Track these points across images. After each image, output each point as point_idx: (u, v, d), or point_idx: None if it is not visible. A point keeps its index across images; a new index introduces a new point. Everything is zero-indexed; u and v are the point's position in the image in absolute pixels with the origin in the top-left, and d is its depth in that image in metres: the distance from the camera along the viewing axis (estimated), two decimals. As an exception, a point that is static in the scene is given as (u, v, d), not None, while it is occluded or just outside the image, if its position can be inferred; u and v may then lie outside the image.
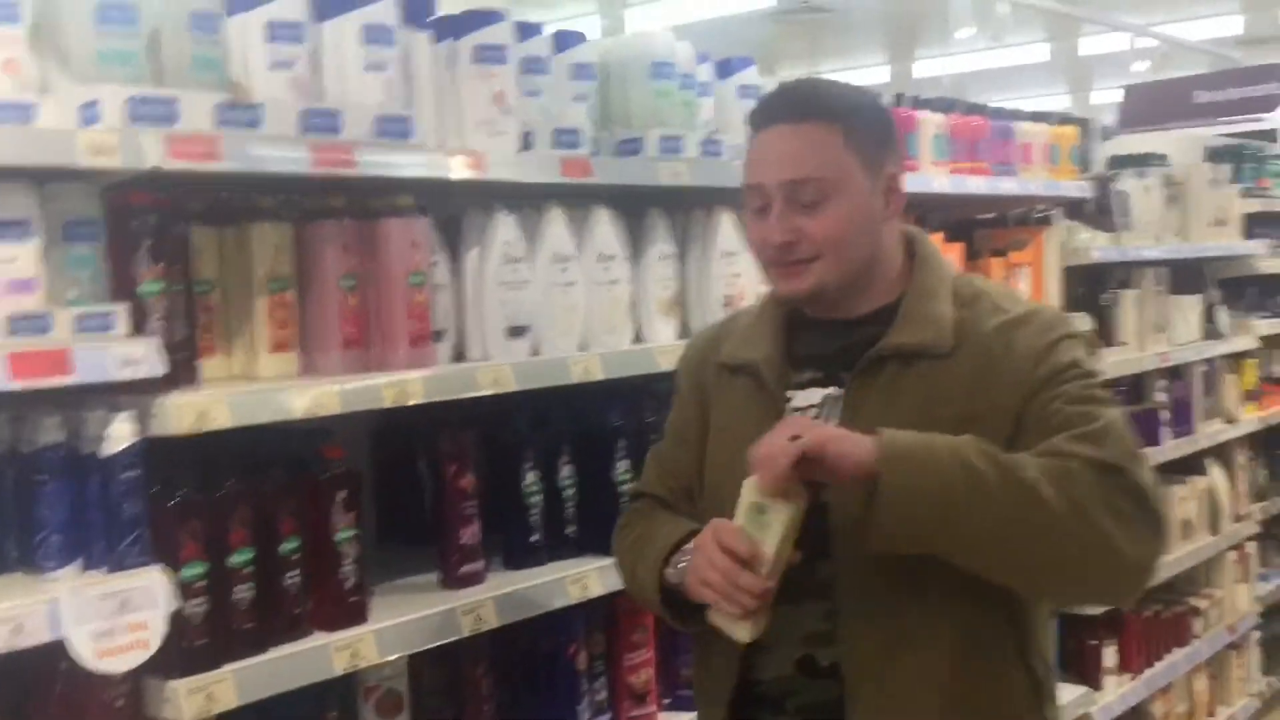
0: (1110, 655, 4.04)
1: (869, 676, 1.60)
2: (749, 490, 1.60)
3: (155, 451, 1.79)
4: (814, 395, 1.71)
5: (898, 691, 1.60)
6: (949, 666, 1.60)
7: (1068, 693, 3.49)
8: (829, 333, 1.73)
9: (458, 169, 2.12)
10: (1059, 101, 15.95)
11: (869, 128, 1.68)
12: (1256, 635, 5.01)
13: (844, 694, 1.62)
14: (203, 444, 1.85)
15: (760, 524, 1.59)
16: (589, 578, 2.33)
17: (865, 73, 13.03)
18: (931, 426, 1.56)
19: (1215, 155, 4.93)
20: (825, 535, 1.64)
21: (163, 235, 1.81)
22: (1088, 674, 3.87)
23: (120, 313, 1.74)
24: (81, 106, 1.72)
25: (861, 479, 1.52)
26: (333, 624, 2.00)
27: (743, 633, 1.62)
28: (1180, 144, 5.12)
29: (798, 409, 1.72)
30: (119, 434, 1.72)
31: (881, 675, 1.60)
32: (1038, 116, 3.83)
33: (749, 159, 1.71)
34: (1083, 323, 3.75)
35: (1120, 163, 4.89)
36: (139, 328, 1.77)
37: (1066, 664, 3.66)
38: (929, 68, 13.02)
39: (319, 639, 1.97)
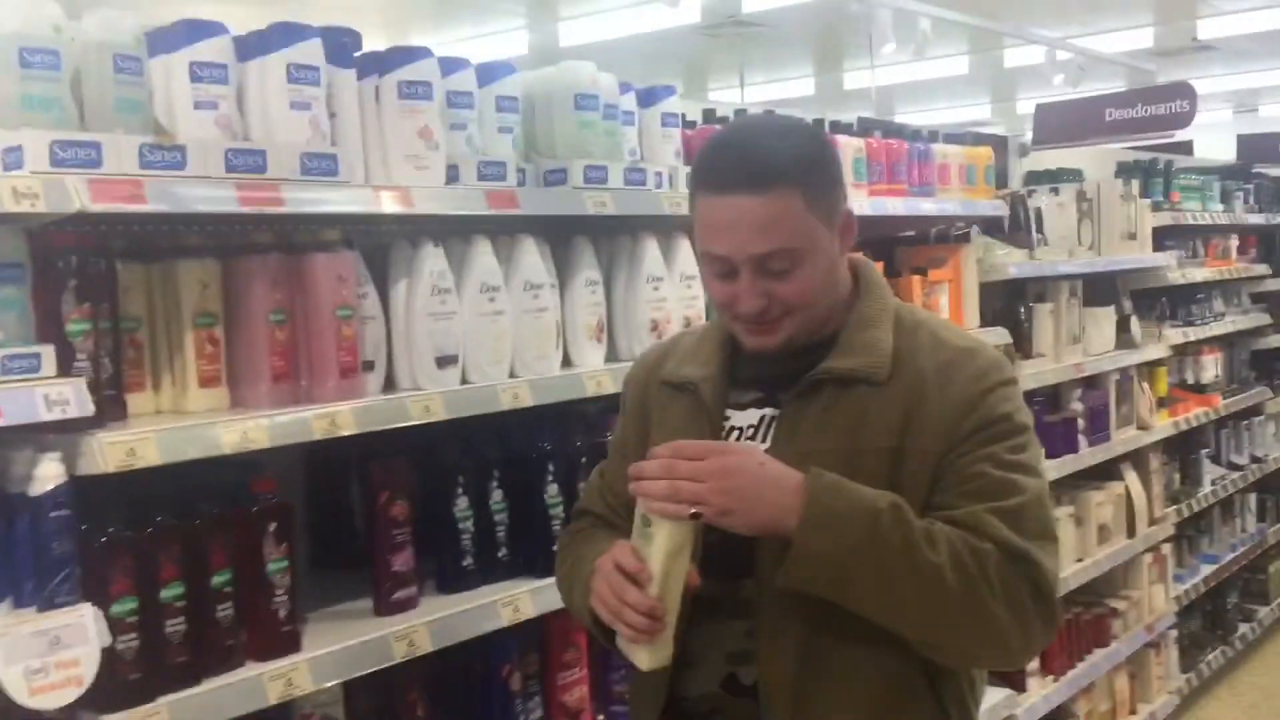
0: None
1: (786, 698, 1.63)
2: (638, 503, 1.59)
3: (86, 489, 1.80)
4: (752, 416, 1.72)
5: (814, 715, 1.62)
6: (865, 694, 1.62)
7: (992, 696, 3.59)
8: (772, 356, 1.72)
9: (384, 204, 2.16)
10: (983, 112, 16.27)
11: (826, 180, 1.64)
12: (1174, 634, 5.17)
13: (760, 715, 1.65)
14: (134, 479, 1.87)
15: (645, 537, 1.57)
16: (521, 600, 2.38)
17: (792, 84, 13.18)
18: (859, 455, 1.61)
19: (1125, 170, 5.09)
20: (749, 554, 1.64)
21: (89, 275, 1.83)
22: (1011, 677, 3.98)
23: (47, 353, 1.76)
24: (4, 151, 1.73)
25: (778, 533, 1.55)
26: (267, 654, 2.03)
27: (641, 658, 1.60)
28: (1095, 159, 5.28)
29: (736, 428, 1.73)
30: (46, 474, 1.74)
31: (798, 697, 1.62)
32: (952, 138, 3.94)
33: (706, 224, 1.64)
34: (1001, 336, 3.89)
35: (1036, 178, 5.04)
36: (66, 368, 1.79)
37: (990, 668, 3.76)
38: (856, 80, 13.20)
39: (253, 669, 1.99)
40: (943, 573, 1.50)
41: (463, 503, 2.41)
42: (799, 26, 10.27)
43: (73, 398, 1.74)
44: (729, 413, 1.74)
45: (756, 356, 1.73)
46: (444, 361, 2.30)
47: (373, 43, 2.30)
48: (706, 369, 1.77)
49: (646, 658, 1.60)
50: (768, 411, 1.71)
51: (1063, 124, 5.62)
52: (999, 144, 5.08)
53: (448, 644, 2.26)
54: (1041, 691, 4.17)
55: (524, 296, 2.45)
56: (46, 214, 1.72)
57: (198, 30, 1.97)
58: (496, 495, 2.46)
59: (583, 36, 9.72)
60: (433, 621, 2.24)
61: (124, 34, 1.92)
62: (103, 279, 1.88)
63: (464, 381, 2.35)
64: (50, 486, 1.74)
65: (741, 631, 1.67)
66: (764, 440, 1.69)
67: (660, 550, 1.55)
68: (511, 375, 2.43)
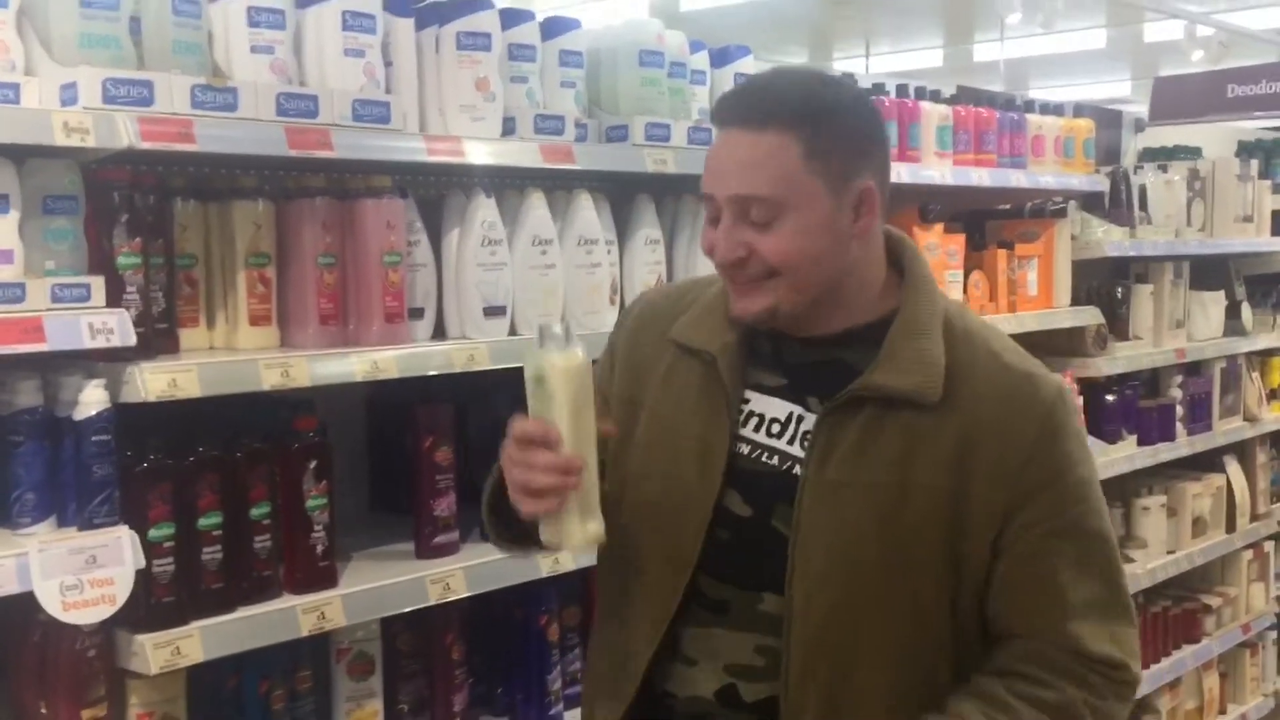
0: (1112, 649, 4.04)
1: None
2: (527, 364, 1.46)
3: (136, 417, 1.88)
4: (776, 407, 1.56)
5: None
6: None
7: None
8: (798, 342, 1.58)
9: (435, 153, 2.18)
10: (1123, 89, 15.66)
11: (838, 136, 1.48)
12: (1272, 635, 4.96)
13: None
14: (188, 413, 1.94)
15: (544, 398, 1.44)
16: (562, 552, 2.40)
17: (919, 55, 12.88)
18: (910, 491, 1.47)
19: (1246, 149, 4.85)
20: (776, 568, 1.51)
21: (140, 210, 1.89)
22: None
23: (96, 284, 1.83)
24: (62, 87, 1.81)
25: None
26: (302, 587, 2.09)
27: (573, 531, 1.45)
28: (1216, 137, 5.05)
29: (756, 415, 1.57)
30: (91, 399, 1.81)
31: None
32: (1050, 109, 3.81)
33: (706, 160, 1.53)
34: (1093, 316, 3.77)
35: (1152, 155, 4.85)
36: (115, 299, 1.86)
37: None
38: (986, 52, 12.84)
39: (287, 601, 2.06)
40: None
41: (509, 453, 2.43)
42: (927, -6, 10.04)
43: (116, 327, 1.81)
44: (748, 394, 1.58)
45: (777, 333, 1.57)
46: (492, 311, 2.32)
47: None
48: (725, 337, 1.59)
49: (579, 530, 1.45)
50: (795, 408, 1.55)
51: (1182, 99, 5.37)
52: (1113, 119, 4.90)
53: (483, 590, 2.30)
54: (1120, 684, 4.05)
55: (577, 251, 2.46)
56: (97, 149, 1.79)
57: (257, -25, 2.02)
58: (544, 448, 2.48)
59: (705, 1, 9.65)
60: (470, 567, 2.28)
61: (185, -23, 1.97)
62: (155, 215, 1.95)
63: (512, 333, 2.37)
64: (93, 411, 1.82)
65: (750, 646, 1.53)
66: (791, 443, 1.54)
67: (563, 404, 1.42)
68: (562, 329, 2.44)
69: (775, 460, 1.55)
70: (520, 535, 1.62)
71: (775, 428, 1.56)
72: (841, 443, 1.50)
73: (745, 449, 1.57)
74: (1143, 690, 4.16)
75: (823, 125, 1.47)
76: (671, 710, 1.59)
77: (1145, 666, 4.17)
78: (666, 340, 1.65)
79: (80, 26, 1.84)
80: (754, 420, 1.57)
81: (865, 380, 1.50)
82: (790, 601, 1.50)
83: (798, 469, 1.53)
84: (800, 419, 1.55)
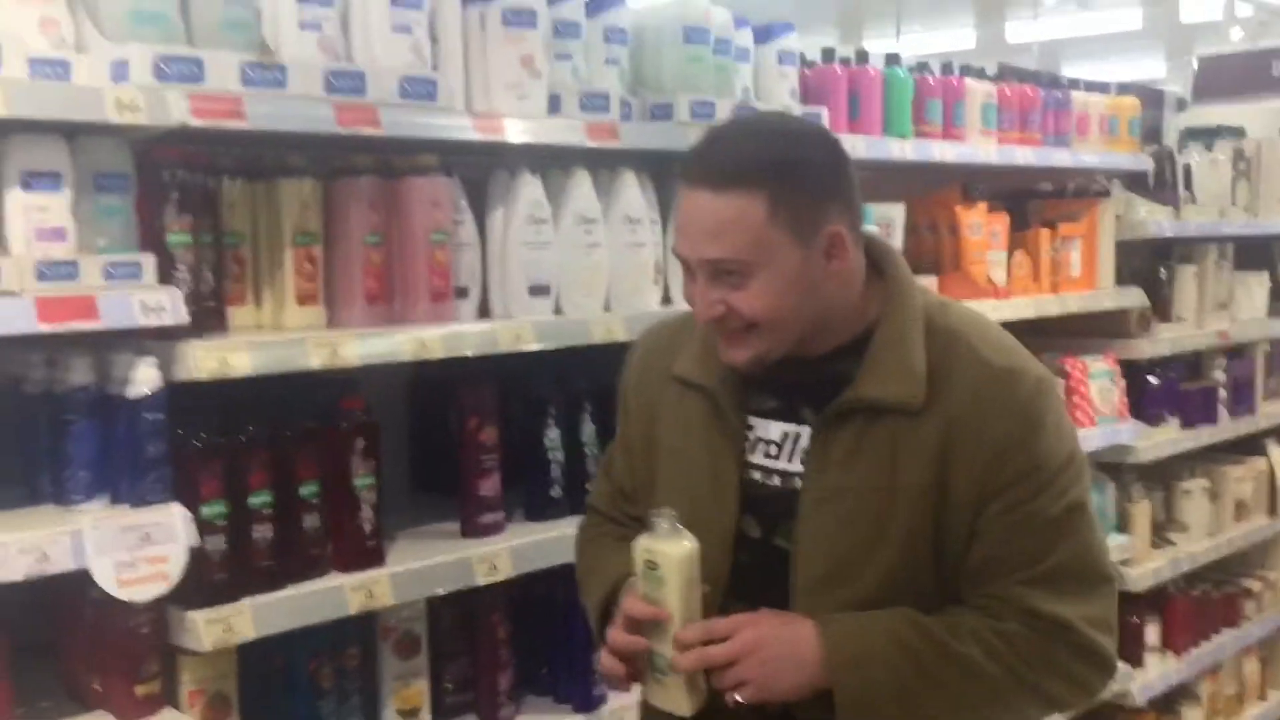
0: (1153, 633, 4.01)
1: None
2: (637, 549, 1.57)
3: (188, 396, 1.88)
4: (773, 430, 1.63)
5: None
6: None
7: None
8: (789, 364, 1.61)
9: (481, 131, 2.17)
10: (1158, 69, 15.49)
11: (801, 190, 1.50)
12: (1315, 621, 4.90)
13: None
14: (238, 392, 1.95)
15: (654, 581, 1.55)
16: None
17: (951, 35, 12.77)
18: (898, 494, 1.54)
19: (1292, 129, 4.77)
20: (782, 579, 1.59)
21: (190, 189, 1.89)
22: (1128, 651, 3.84)
23: (148, 262, 1.83)
24: (113, 64, 1.80)
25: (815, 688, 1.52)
26: (350, 566, 2.09)
27: (680, 703, 1.57)
28: (1262, 117, 4.96)
29: (760, 440, 1.64)
30: (143, 377, 1.82)
31: None
32: (1094, 87, 3.76)
33: (677, 220, 1.58)
34: (1137, 298, 3.72)
35: (1195, 135, 4.77)
36: (166, 277, 1.86)
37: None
38: (1020, 33, 12.72)
39: (336, 579, 2.06)
40: (979, 664, 1.51)
41: (554, 434, 2.43)
42: (959, -27, 9.94)
43: (168, 304, 1.81)
44: (751, 421, 1.65)
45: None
46: (536, 291, 2.31)
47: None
48: (722, 370, 1.63)
49: (686, 701, 1.57)
50: (790, 428, 1.62)
51: (1226, 78, 5.28)
52: (1155, 98, 4.83)
53: (529, 570, 2.30)
54: (1160, 668, 4.02)
55: (622, 230, 2.44)
56: (148, 126, 1.79)
57: (305, -48, 2.01)
58: (588, 428, 2.47)
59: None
60: (516, 547, 2.28)
61: (233, -45, 1.97)
62: (205, 194, 1.95)
63: (557, 312, 2.36)
64: (146, 390, 1.82)
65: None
66: (789, 460, 1.61)
67: (675, 587, 1.54)
68: (606, 309, 2.43)
69: (777, 481, 1.63)
70: None
71: (774, 450, 1.63)
72: (836, 452, 1.57)
73: (755, 475, 1.64)
74: (1183, 674, 4.14)
75: (785, 181, 1.49)
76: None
77: (1184, 651, 4.15)
78: (670, 378, 1.72)
79: (131, 3, 1.84)
80: (760, 447, 1.65)
81: (852, 394, 1.56)
82: (794, 608, 1.57)
83: (797, 482, 1.60)
84: (796, 437, 1.62)
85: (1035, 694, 1.56)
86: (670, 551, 1.54)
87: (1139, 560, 3.89)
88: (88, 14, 1.85)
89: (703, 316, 1.56)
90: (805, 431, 1.61)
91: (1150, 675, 3.96)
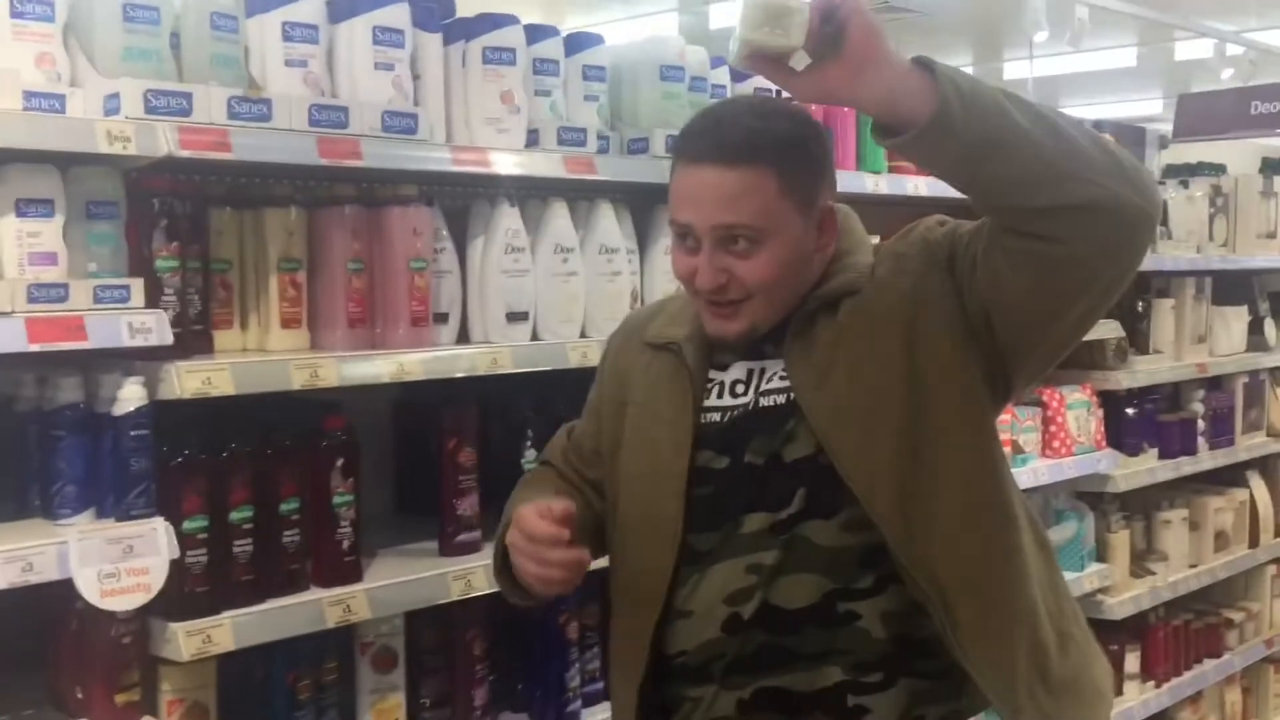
0: (1132, 661, 4.05)
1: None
2: None
3: (173, 415, 1.96)
4: (739, 370, 1.71)
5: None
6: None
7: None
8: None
9: (461, 163, 2.26)
10: (1154, 107, 15.59)
11: (804, 166, 1.62)
12: (1298, 652, 4.94)
13: (767, 642, 1.62)
14: (221, 411, 2.03)
15: None
16: (580, 553, 2.46)
17: (950, 74, 12.85)
18: (885, 359, 1.61)
19: (1270, 166, 4.87)
20: (758, 497, 1.64)
21: (178, 216, 1.98)
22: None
23: (136, 286, 1.92)
24: (105, 98, 1.90)
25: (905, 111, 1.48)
26: (329, 581, 2.16)
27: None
28: (1241, 154, 5.07)
29: (720, 383, 1.71)
30: (129, 395, 1.90)
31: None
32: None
33: (677, 192, 1.63)
34: (1113, 330, 3.79)
35: (1175, 171, 4.87)
36: (154, 300, 1.94)
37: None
38: (1016, 70, 12.84)
39: (314, 594, 2.13)
40: (1069, 128, 1.49)
41: (531, 454, 2.50)
42: (955, 12, 10.05)
43: (154, 326, 1.89)
44: (712, 374, 1.72)
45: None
46: (514, 317, 2.40)
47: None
48: (689, 328, 1.74)
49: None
50: (754, 364, 1.70)
51: (1206, 116, 5.39)
52: (1136, 135, 4.93)
53: (504, 587, 2.36)
54: (1140, 696, 4.06)
55: (598, 260, 2.53)
56: (138, 157, 1.88)
57: (293, -8, 2.11)
58: (565, 451, 2.54)
59: (733, 19, 9.69)
60: (491, 565, 2.34)
61: (223, -6, 2.07)
62: (192, 222, 2.03)
63: (534, 338, 2.44)
64: (132, 407, 1.90)
65: (741, 568, 1.63)
66: (756, 391, 1.68)
67: None
68: (582, 335, 2.51)
69: (743, 405, 1.68)
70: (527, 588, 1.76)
71: (739, 388, 1.70)
72: (815, 343, 1.65)
73: (714, 416, 1.69)
74: (1163, 703, 4.18)
75: (790, 157, 1.60)
76: (684, 668, 1.68)
77: (1164, 680, 4.19)
78: (643, 345, 1.81)
79: (123, 40, 1.93)
80: (717, 388, 1.71)
81: (809, 296, 1.67)
82: (838, 459, 1.60)
83: (765, 400, 1.66)
84: (762, 371, 1.69)
85: (1108, 155, 1.50)
86: None
87: (1119, 589, 3.94)
88: (82, 50, 1.95)
89: (705, 284, 1.61)
90: (770, 364, 1.68)
91: (1130, 703, 4.00)
